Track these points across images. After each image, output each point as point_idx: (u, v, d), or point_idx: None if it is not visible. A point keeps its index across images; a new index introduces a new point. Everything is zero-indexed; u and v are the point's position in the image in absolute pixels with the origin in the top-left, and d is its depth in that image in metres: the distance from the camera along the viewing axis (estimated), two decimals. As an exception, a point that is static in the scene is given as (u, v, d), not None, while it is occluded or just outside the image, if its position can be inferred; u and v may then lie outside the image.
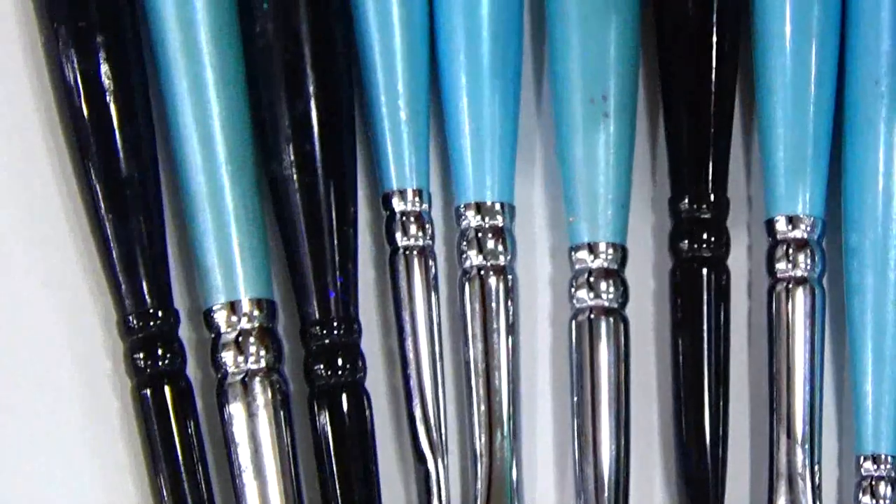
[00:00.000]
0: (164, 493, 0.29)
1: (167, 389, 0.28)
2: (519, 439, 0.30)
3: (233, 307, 0.28)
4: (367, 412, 0.29)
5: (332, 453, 0.28)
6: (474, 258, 0.30)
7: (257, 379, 0.28)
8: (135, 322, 0.28)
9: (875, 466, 0.30)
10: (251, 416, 0.28)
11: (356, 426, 0.29)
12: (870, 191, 0.31)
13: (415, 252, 0.30)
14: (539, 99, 0.33)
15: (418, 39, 0.32)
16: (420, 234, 0.30)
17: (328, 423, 0.28)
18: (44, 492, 0.31)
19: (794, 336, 0.31)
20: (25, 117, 0.32)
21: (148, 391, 0.28)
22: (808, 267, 0.30)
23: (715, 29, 0.32)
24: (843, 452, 0.32)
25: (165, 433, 0.29)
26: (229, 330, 0.28)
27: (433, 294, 0.30)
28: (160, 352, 0.28)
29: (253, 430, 0.28)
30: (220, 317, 0.28)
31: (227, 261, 0.28)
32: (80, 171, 0.29)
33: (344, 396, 0.29)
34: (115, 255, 0.29)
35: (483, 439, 0.30)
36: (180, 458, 0.29)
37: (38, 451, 0.31)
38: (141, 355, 0.28)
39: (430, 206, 0.30)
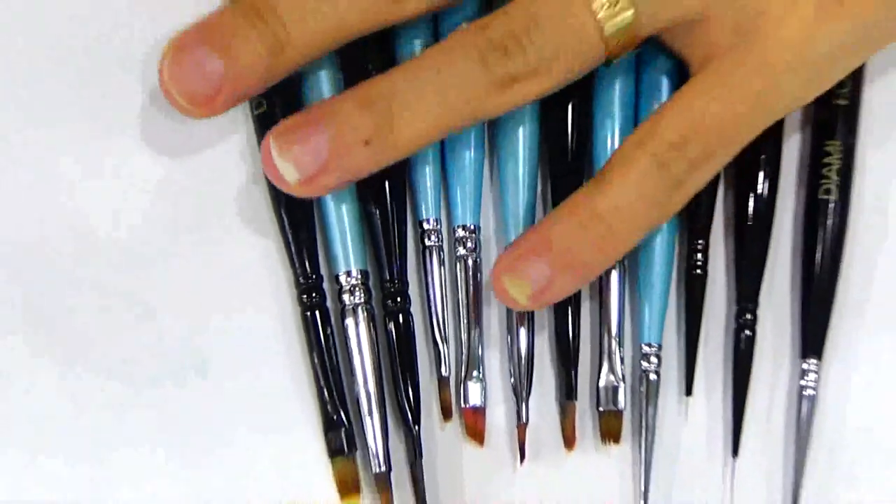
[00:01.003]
0: (316, 366, 0.39)
1: (317, 313, 0.40)
2: (482, 334, 0.40)
3: (348, 273, 0.40)
4: (412, 323, 0.40)
5: (396, 344, 0.40)
6: (462, 252, 0.40)
7: (359, 308, 0.39)
8: (301, 280, 0.39)
9: (649, 349, 0.40)
10: (356, 325, 0.39)
11: (406, 330, 0.40)
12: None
13: (433, 249, 0.40)
14: (492, 169, 0.42)
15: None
16: (436, 240, 0.41)
17: (393, 329, 0.40)
18: (258, 376, 0.40)
19: (611, 280, 0.40)
20: (255, 182, 0.41)
21: (308, 314, 0.40)
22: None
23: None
24: (635, 342, 0.41)
25: (316, 336, 0.40)
26: (346, 284, 0.39)
27: (442, 269, 0.40)
28: (313, 294, 0.39)
29: (357, 332, 0.39)
30: (342, 278, 0.39)
31: (346, 251, 0.40)
32: (274, 203, 0.40)
33: (400, 315, 0.40)
34: (292, 247, 0.40)
35: (465, 335, 0.40)
36: (324, 347, 0.40)
37: (253, 349, 0.40)
38: (304, 297, 0.39)
39: (440, 225, 0.41)
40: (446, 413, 0.40)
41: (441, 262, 0.41)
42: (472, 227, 0.40)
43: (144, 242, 0.40)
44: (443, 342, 0.41)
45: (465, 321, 0.40)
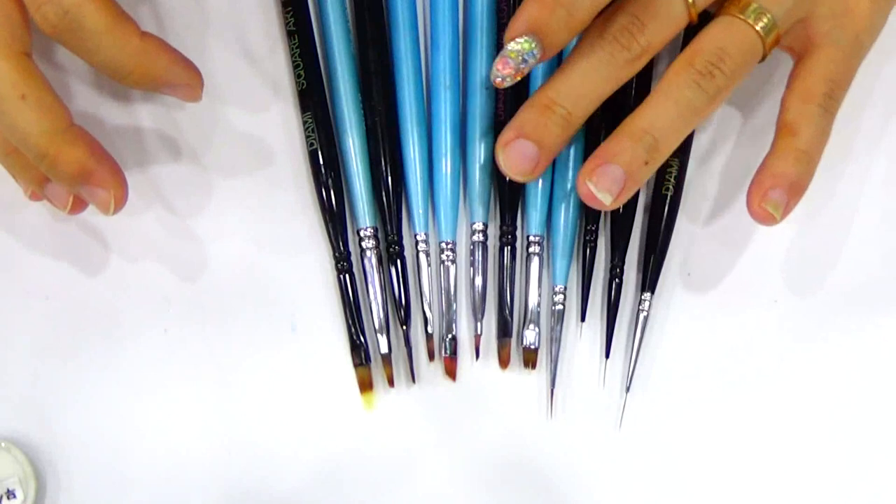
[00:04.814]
0: (345, 304, 0.52)
1: (345, 266, 0.51)
2: (456, 311, 0.53)
3: (365, 228, 0.52)
4: (405, 262, 0.52)
5: (398, 272, 0.52)
6: (443, 257, 0.53)
7: (374, 251, 0.51)
8: (332, 241, 0.51)
9: (558, 289, 0.52)
10: (370, 260, 0.52)
11: (401, 266, 0.52)
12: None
13: (423, 254, 0.53)
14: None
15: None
16: (424, 247, 0.54)
17: (392, 268, 0.52)
18: (309, 312, 0.53)
19: (532, 268, 0.53)
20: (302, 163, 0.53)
21: (342, 264, 0.52)
22: (539, 246, 0.52)
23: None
24: (550, 284, 0.52)
25: (345, 286, 0.52)
26: (363, 235, 0.51)
27: (430, 269, 0.53)
28: (341, 246, 0.52)
29: (370, 266, 0.52)
30: (363, 232, 0.51)
31: (363, 215, 0.52)
32: (319, 198, 0.52)
33: (398, 259, 0.52)
34: (327, 216, 0.52)
35: (446, 311, 0.52)
36: (349, 294, 0.52)
37: (308, 294, 0.53)
38: (337, 254, 0.51)
39: (428, 239, 0.53)
40: (430, 356, 0.52)
41: (429, 265, 0.53)
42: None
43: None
44: (430, 311, 0.53)
45: (447, 302, 0.53)
